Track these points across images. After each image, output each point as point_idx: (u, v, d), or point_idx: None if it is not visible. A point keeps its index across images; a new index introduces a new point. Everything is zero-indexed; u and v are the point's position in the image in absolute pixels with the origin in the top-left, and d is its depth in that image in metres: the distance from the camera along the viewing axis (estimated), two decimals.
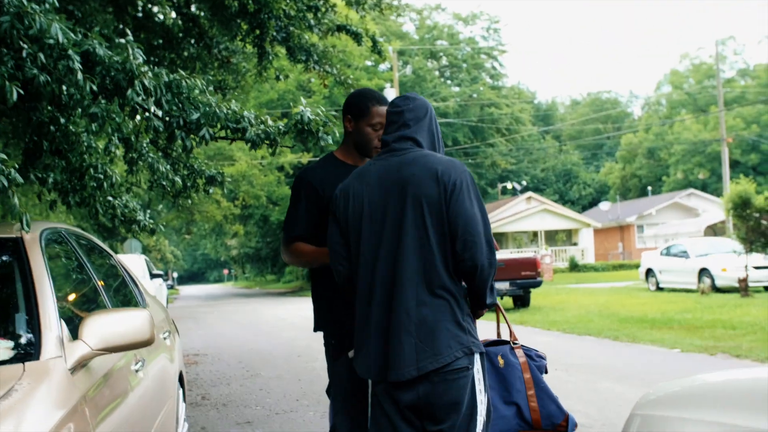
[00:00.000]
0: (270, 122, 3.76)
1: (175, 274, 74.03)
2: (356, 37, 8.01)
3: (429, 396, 2.64)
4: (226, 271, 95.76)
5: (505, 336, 3.36)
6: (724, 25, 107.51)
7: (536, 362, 3.17)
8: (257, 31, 6.67)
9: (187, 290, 62.48)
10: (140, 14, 8.72)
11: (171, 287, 45.83)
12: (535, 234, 42.95)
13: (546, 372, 3.26)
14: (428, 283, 2.66)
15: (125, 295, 4.01)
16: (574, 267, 37.20)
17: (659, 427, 2.27)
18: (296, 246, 3.21)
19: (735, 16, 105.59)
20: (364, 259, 2.74)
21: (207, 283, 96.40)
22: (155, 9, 8.92)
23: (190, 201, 6.29)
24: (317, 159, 3.85)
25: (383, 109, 3.20)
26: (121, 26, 8.22)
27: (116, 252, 33.02)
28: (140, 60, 3.30)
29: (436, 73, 48.58)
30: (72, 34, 3.10)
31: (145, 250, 40.95)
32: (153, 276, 17.26)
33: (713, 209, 42.78)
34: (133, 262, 16.51)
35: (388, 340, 2.63)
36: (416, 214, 2.69)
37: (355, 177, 2.85)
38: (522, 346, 3.25)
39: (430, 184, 2.70)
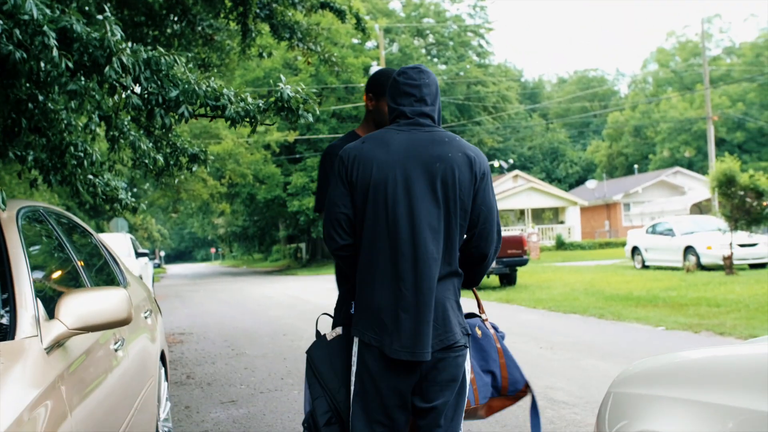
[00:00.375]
0: (250, 100, 3.72)
1: (162, 253, 73.84)
2: (340, 15, 7.93)
3: (429, 374, 2.65)
4: (213, 250, 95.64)
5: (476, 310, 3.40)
6: (711, 3, 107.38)
7: (500, 334, 3.25)
8: (240, 8, 6.59)
9: (174, 269, 62.39)
10: None
11: (158, 266, 45.75)
12: (522, 212, 43.07)
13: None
14: (445, 264, 2.68)
15: (106, 275, 3.98)
16: (560, 245, 37.36)
17: (632, 405, 2.28)
18: None
19: None
20: (381, 230, 2.66)
21: (194, 262, 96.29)
22: None
23: (174, 179, 6.23)
24: (338, 136, 3.84)
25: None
26: (102, 2, 8.11)
27: (102, 231, 32.86)
28: (118, 36, 3.25)
29: (423, 51, 48.34)
30: (48, 10, 3.05)
31: (132, 229, 40.79)
32: (138, 255, 17.20)
33: (699, 187, 43.04)
34: (118, 240, 16.44)
35: (417, 318, 2.60)
36: (446, 194, 2.67)
37: (374, 143, 2.74)
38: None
39: (464, 169, 2.70)
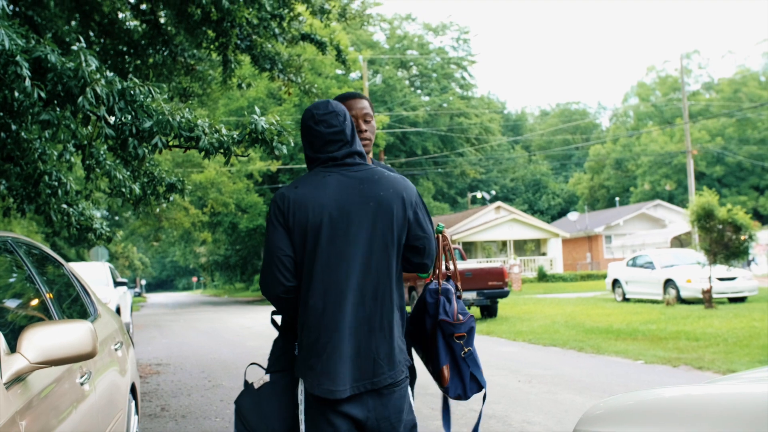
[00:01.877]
0: (224, 131, 3.71)
1: (144, 282, 73.24)
2: (321, 47, 7.98)
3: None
4: (195, 279, 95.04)
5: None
6: (689, 39, 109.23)
7: None
8: (222, 39, 6.62)
9: (155, 298, 61.84)
10: (106, 21, 8.63)
11: (138, 294, 45.33)
12: (504, 243, 43.16)
13: None
14: (391, 299, 2.72)
15: (77, 307, 3.93)
16: (542, 277, 37.43)
17: None
18: None
19: (700, 31, 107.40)
20: (324, 271, 2.66)
21: (176, 291, 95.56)
22: (121, 16, 8.84)
23: (150, 208, 6.20)
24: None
25: (354, 102, 3.19)
26: (83, 32, 8.12)
27: (83, 259, 32.54)
28: (93, 67, 3.24)
29: (407, 82, 48.69)
30: (21, 41, 3.04)
31: (113, 258, 40.45)
32: (117, 284, 17.02)
33: (679, 220, 43.37)
34: (95, 270, 16.26)
35: (360, 353, 2.62)
36: (385, 231, 2.71)
37: (308, 187, 2.75)
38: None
39: (398, 206, 2.75)
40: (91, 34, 8.49)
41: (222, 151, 3.70)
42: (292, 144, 3.98)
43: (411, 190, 2.84)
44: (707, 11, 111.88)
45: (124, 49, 8.56)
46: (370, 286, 2.65)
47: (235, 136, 3.75)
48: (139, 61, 8.43)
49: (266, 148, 3.77)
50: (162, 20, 8.47)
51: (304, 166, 37.55)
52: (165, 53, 8.18)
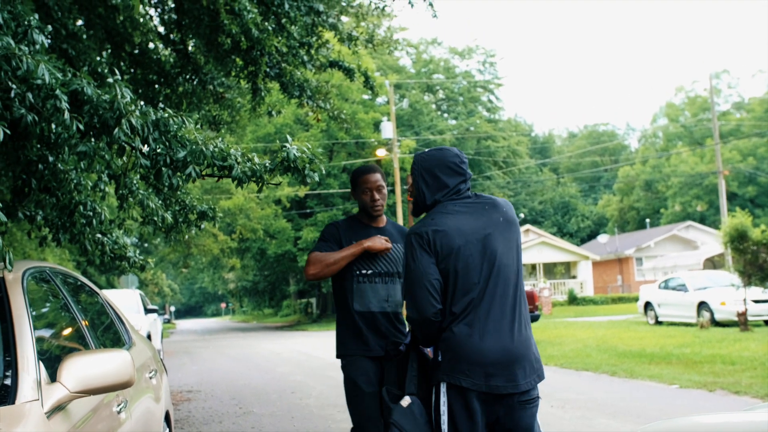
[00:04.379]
0: (257, 160, 3.76)
1: (173, 308, 73.71)
2: (348, 73, 8.05)
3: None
4: (223, 305, 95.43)
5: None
6: (719, 59, 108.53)
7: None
8: (251, 67, 6.71)
9: (184, 324, 62.18)
10: (136, 51, 8.78)
11: (167, 321, 45.57)
12: (533, 267, 42.88)
13: None
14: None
15: (111, 334, 3.97)
16: (573, 300, 37.07)
17: None
18: (316, 254, 3.99)
19: (729, 50, 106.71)
20: (473, 292, 3.09)
21: (204, 317, 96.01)
22: (151, 46, 8.99)
23: (181, 236, 6.27)
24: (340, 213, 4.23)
25: (369, 176, 4.03)
26: (115, 63, 8.27)
27: (113, 286, 32.90)
28: (128, 99, 3.31)
29: (433, 106, 48.84)
30: (59, 74, 3.11)
31: (142, 284, 40.83)
32: (147, 311, 17.16)
33: (712, 242, 42.79)
34: (127, 297, 16.43)
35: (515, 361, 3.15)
36: (516, 251, 3.27)
37: (445, 218, 3.16)
38: None
39: (516, 225, 3.30)
40: (122, 64, 8.65)
41: (254, 179, 3.76)
42: (324, 171, 4.03)
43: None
44: (736, 30, 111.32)
45: (154, 78, 8.70)
46: (516, 299, 3.17)
47: (267, 164, 3.80)
48: (168, 90, 8.56)
49: (298, 176, 3.82)
50: (191, 49, 8.60)
51: (333, 191, 37.77)
52: (195, 82, 8.30)
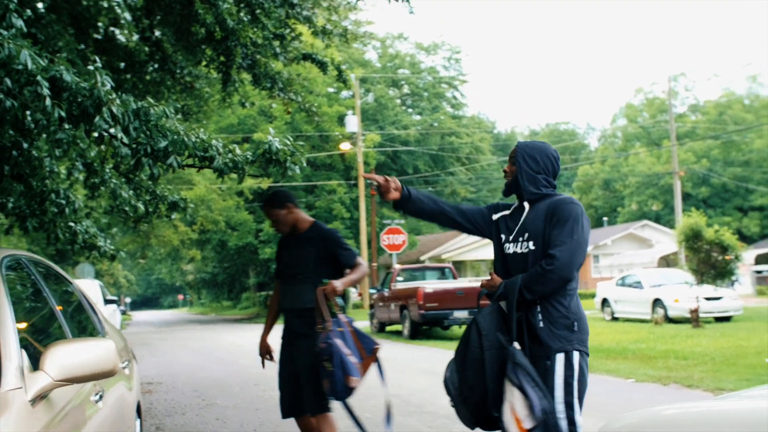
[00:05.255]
0: (238, 151, 3.77)
1: (128, 300, 72.69)
2: (322, 66, 8.06)
3: None
4: (181, 297, 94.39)
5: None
6: (677, 62, 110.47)
7: (349, 319, 4.66)
8: (222, 58, 6.67)
9: (140, 316, 61.45)
10: (101, 37, 8.66)
11: (123, 312, 44.95)
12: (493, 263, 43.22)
13: None
14: None
15: (85, 324, 3.95)
16: None
17: None
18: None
19: (687, 54, 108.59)
20: None
21: (161, 309, 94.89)
22: (117, 32, 8.88)
23: (152, 226, 6.23)
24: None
25: (265, 209, 4.73)
26: (83, 48, 8.15)
27: None
28: (108, 87, 3.29)
29: (398, 101, 48.89)
30: (40, 60, 3.08)
31: (98, 275, 40.24)
32: (107, 302, 16.96)
33: (666, 240, 43.60)
34: (87, 287, 16.21)
35: None
36: None
37: None
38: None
39: None
40: (87, 51, 8.53)
41: (235, 171, 3.76)
42: (305, 164, 4.06)
43: None
44: (694, 35, 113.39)
45: (122, 65, 8.60)
46: None
47: (249, 156, 3.81)
48: (136, 78, 8.46)
49: (280, 169, 3.84)
50: (158, 36, 8.51)
51: (296, 183, 37.57)
52: (164, 70, 8.23)
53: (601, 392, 9.07)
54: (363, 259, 4.95)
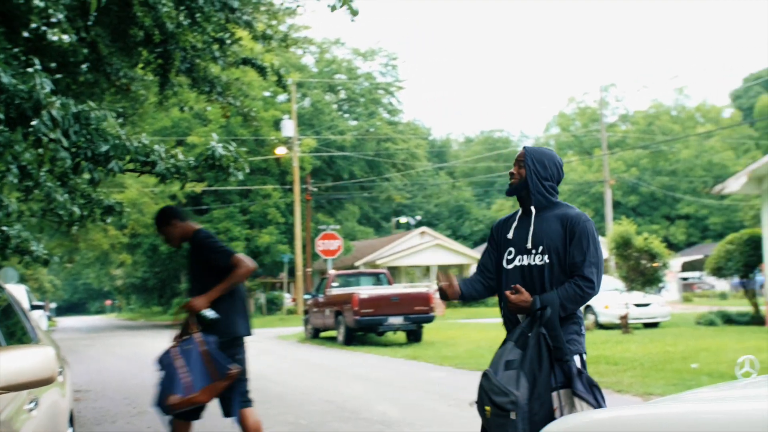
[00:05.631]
0: (181, 156, 3.73)
1: (53, 305, 70.58)
2: (262, 71, 8.02)
3: None
4: (109, 302, 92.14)
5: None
6: (608, 73, 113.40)
7: (208, 338, 4.78)
8: (160, 61, 6.58)
9: (66, 322, 59.68)
10: (32, 36, 8.43)
11: (48, 318, 43.62)
12: (428, 268, 43.57)
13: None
14: None
15: (15, 329, 3.85)
16: (465, 302, 37.82)
17: None
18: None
19: (617, 65, 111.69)
20: None
21: (88, 315, 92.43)
22: (49, 32, 8.65)
23: (86, 230, 6.10)
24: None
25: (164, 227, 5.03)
26: (11, 48, 7.92)
27: None
28: (48, 89, 3.22)
29: (335, 106, 48.89)
30: None
31: (22, 279, 39.01)
32: (33, 307, 16.46)
33: None
34: (14, 292, 15.70)
35: None
36: None
37: None
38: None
39: None
40: (17, 50, 8.29)
41: (177, 176, 3.73)
42: (247, 170, 4.04)
43: None
44: (625, 46, 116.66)
45: (54, 66, 8.39)
46: None
47: (191, 161, 3.78)
48: (69, 80, 8.27)
49: (222, 174, 3.82)
50: (94, 38, 8.33)
51: (230, 188, 37.17)
52: (100, 71, 8.05)
53: None
54: (243, 257, 4.93)
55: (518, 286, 3.54)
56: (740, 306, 22.07)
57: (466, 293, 3.85)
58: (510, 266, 3.68)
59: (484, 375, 3.50)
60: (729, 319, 18.83)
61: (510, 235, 3.72)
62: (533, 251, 3.61)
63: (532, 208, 3.69)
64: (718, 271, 19.29)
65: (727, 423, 2.16)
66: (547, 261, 3.58)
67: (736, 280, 21.70)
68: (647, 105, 66.40)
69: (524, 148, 3.81)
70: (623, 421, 2.54)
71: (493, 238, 3.87)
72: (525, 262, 3.63)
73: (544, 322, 3.46)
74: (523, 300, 3.52)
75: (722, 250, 19.01)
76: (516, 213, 3.83)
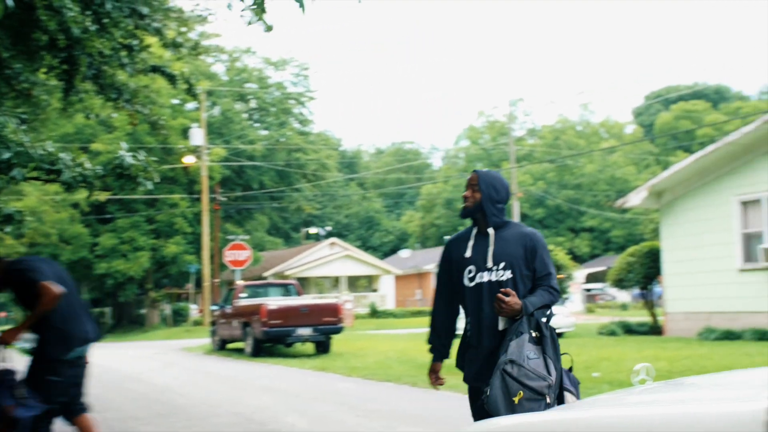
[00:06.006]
0: (88, 165, 3.64)
1: None
2: (171, 79, 7.89)
3: None
4: (3, 314, 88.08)
5: None
6: (517, 87, 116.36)
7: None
8: (65, 66, 6.39)
9: None
10: None
11: None
12: (337, 279, 43.58)
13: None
14: None
15: None
16: (374, 313, 38.07)
17: None
18: None
19: (525, 80, 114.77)
20: None
21: None
22: None
23: None
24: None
25: None
26: None
27: None
28: None
29: (245, 115, 48.39)
30: None
31: None
32: None
33: None
34: None
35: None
36: None
37: None
38: None
39: None
40: None
41: (84, 185, 3.63)
42: (158, 180, 3.98)
43: None
44: (533, 62, 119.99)
45: None
46: None
47: (99, 170, 3.69)
48: None
49: (131, 183, 3.75)
50: None
51: (136, 197, 36.22)
52: None
53: (443, 407, 9.36)
54: (50, 284, 4.87)
55: (509, 290, 3.78)
56: (640, 316, 22.94)
57: (449, 345, 4.34)
58: (472, 284, 3.90)
59: (511, 364, 3.63)
60: (629, 330, 19.48)
61: (468, 254, 3.94)
62: (494, 268, 3.86)
63: (490, 230, 3.92)
64: (620, 283, 19.95)
65: (624, 426, 2.29)
66: (510, 276, 3.84)
67: (636, 291, 22.51)
68: (554, 120, 68.43)
69: (475, 171, 4.05)
70: (528, 426, 2.64)
71: (448, 258, 4.09)
72: (485, 279, 3.86)
73: (534, 320, 3.79)
74: (516, 302, 3.75)
75: (623, 263, 19.68)
76: (469, 232, 4.04)
